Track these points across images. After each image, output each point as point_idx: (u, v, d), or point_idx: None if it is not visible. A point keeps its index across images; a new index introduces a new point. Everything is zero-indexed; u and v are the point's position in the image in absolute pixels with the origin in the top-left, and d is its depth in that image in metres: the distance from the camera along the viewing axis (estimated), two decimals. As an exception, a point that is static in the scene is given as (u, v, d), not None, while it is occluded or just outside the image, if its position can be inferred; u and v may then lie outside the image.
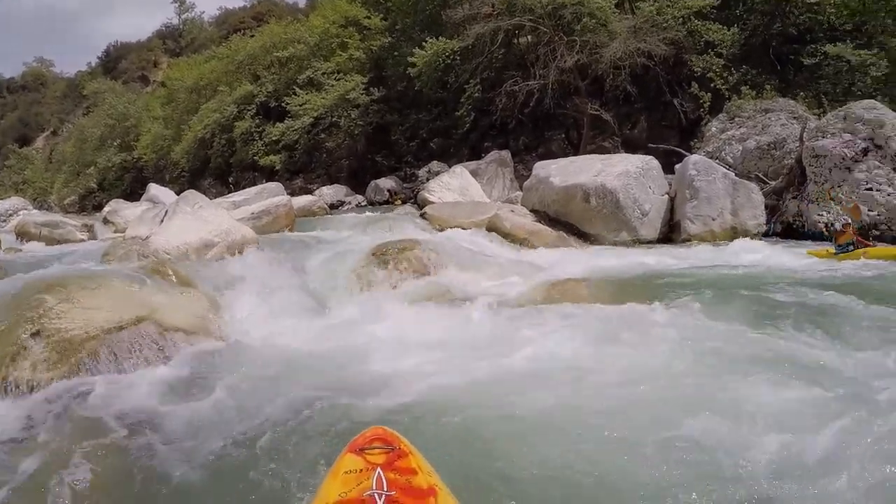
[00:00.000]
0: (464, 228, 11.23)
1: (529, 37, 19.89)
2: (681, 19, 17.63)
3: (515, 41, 20.78)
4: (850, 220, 9.35)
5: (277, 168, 27.12)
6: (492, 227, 10.86)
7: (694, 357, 4.18)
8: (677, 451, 2.91)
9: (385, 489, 1.90)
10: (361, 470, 2.03)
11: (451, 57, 19.64)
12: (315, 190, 23.47)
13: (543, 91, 17.93)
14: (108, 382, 4.14)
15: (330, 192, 22.73)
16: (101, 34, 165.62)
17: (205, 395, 3.92)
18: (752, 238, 10.75)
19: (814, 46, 16.79)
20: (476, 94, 19.40)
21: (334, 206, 21.18)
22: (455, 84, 20.04)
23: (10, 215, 22.01)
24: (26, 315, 4.41)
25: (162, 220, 9.92)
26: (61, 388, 4.03)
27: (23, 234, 15.28)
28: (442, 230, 11.45)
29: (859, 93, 15.22)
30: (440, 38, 19.82)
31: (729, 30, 17.70)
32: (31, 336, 4.24)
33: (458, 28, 19.86)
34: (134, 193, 29.89)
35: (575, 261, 8.73)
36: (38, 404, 3.86)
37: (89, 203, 38.36)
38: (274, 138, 26.67)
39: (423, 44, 19.96)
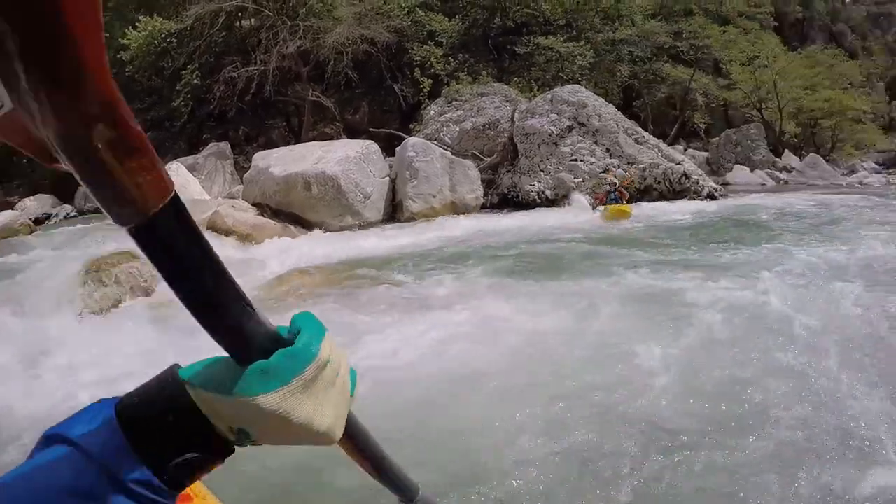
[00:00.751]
0: None
1: (252, 20, 18.93)
2: (406, 10, 18.15)
3: (237, 24, 19.64)
4: (617, 189, 11.03)
5: (-32, 178, 22.92)
6: (213, 226, 10.05)
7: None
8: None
9: None
10: None
11: (168, 40, 18.05)
12: (16, 203, 20.07)
13: (264, 77, 17.09)
14: None
15: (34, 205, 19.27)
16: None
17: None
18: (471, 210, 11.54)
19: (528, 38, 18.50)
20: (195, 81, 17.95)
21: (40, 221, 18.22)
22: (171, 70, 18.43)
23: None
24: None
25: None
26: None
27: None
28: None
29: (567, 79, 16.92)
30: (156, 17, 18.13)
31: (451, 21, 18.64)
32: None
33: (176, 8, 18.32)
34: None
35: (301, 251, 8.54)
36: None
37: None
38: None
39: (137, 23, 18.11)
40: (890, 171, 31.17)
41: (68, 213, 18.88)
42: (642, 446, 2.67)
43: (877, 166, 31.29)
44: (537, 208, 11.70)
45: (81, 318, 5.91)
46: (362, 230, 10.46)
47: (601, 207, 10.62)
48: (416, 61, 17.56)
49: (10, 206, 19.39)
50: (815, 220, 9.35)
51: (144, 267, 6.93)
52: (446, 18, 18.74)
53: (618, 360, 3.54)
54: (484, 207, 12.15)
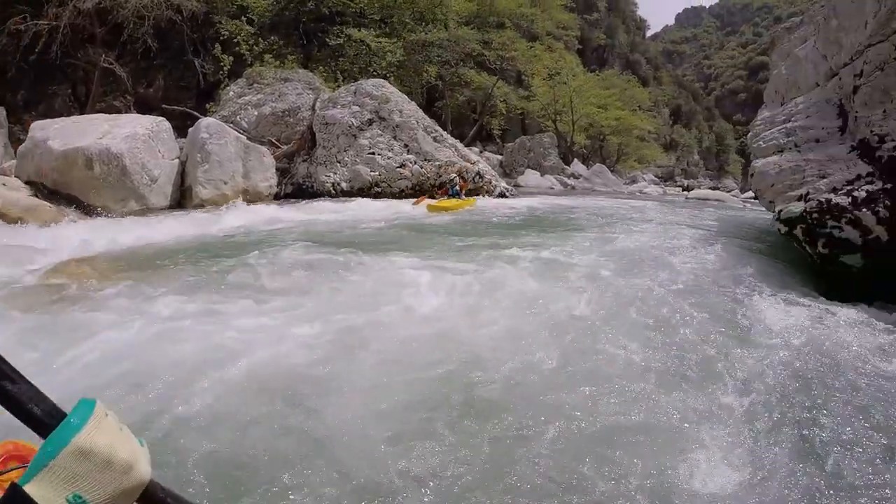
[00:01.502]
0: None
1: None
2: (218, -22, 17.31)
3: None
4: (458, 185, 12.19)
5: None
6: None
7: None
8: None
9: None
10: None
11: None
12: None
13: (53, 34, 15.41)
14: None
15: None
16: None
17: None
18: (263, 199, 11.35)
19: (341, 28, 18.51)
20: (-34, 30, 15.88)
21: None
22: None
23: None
24: None
25: None
26: None
27: None
28: None
29: (375, 73, 17.24)
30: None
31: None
32: None
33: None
34: None
35: (79, 238, 7.75)
36: None
37: None
38: None
39: None
40: (667, 183, 35.94)
41: None
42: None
43: (656, 179, 35.75)
44: (329, 199, 12.02)
45: None
46: (147, 216, 9.80)
47: (430, 201, 11.34)
48: (223, 36, 16.96)
49: None
50: (588, 219, 10.67)
51: None
52: (260, -4, 18.23)
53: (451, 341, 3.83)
54: (277, 197, 12.07)
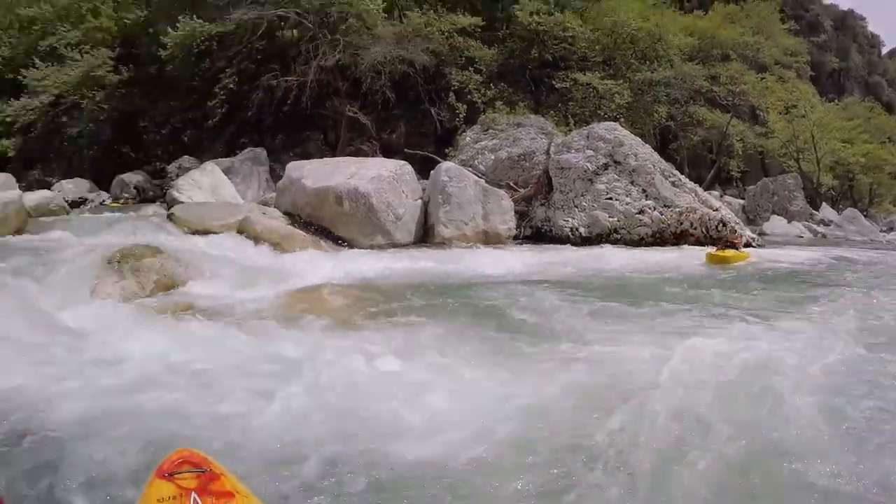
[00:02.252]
0: (213, 232, 10.31)
1: (295, 31, 19.13)
2: (446, 34, 18.19)
3: (279, 33, 19.89)
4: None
5: (11, 155, 23.16)
6: (243, 231, 10.10)
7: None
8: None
9: None
10: (174, 497, 1.92)
11: (208, 42, 18.24)
12: (54, 184, 20.38)
13: (302, 89, 17.28)
14: None
15: (71, 188, 19.69)
16: None
17: None
18: (503, 241, 11.46)
19: (566, 73, 18.49)
20: (231, 86, 18.12)
21: (76, 204, 18.41)
22: (211, 72, 18.61)
23: None
24: None
25: None
26: None
27: None
28: (191, 233, 10.44)
29: (605, 116, 16.86)
30: (198, 18, 18.31)
31: (490, 49, 18.73)
32: None
33: (220, 11, 18.49)
34: None
35: (325, 266, 8.42)
36: None
37: None
38: (7, 117, 22.72)
39: (178, 23, 18.34)
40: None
41: (104, 200, 19.20)
42: None
43: (918, 224, 29.96)
44: (568, 245, 11.70)
45: (96, 305, 5.92)
46: (391, 250, 10.30)
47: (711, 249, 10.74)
48: (454, 86, 17.66)
49: (49, 186, 19.68)
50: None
51: (168, 262, 7.01)
52: (485, 46, 18.81)
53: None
54: (515, 239, 12.05)
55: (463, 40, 18.53)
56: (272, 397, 3.63)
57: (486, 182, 12.41)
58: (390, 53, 17.13)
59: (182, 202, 13.23)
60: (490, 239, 11.36)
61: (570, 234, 12.13)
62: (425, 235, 11.41)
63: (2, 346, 4.50)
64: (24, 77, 22.21)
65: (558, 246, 11.40)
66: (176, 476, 2.01)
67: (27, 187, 18.57)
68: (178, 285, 6.80)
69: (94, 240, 9.69)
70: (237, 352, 4.50)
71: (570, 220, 12.34)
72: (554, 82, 18.40)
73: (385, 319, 5.40)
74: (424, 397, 3.58)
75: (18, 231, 11.00)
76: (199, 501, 1.89)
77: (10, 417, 3.41)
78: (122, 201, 18.47)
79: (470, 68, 18.28)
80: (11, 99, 22.47)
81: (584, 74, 18.06)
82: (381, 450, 2.99)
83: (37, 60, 22.49)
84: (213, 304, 6.16)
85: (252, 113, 18.30)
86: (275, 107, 17.83)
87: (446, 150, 16.30)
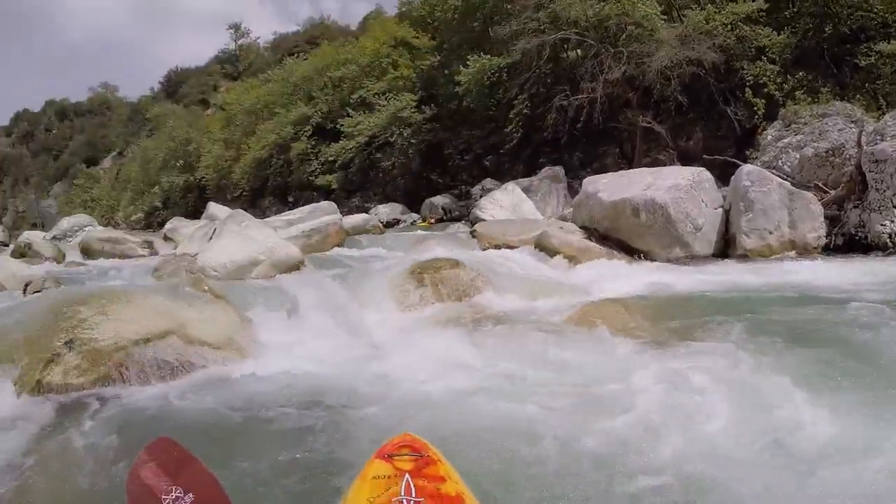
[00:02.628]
0: (512, 246, 11.16)
1: (579, 50, 19.83)
2: (729, 25, 17.40)
3: (563, 55, 20.79)
4: None
5: (334, 188, 27.92)
6: (540, 245, 10.70)
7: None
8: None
9: (413, 496, 1.91)
10: (390, 476, 2.03)
11: (498, 73, 19.82)
12: (371, 209, 23.98)
13: (593, 105, 17.82)
14: (132, 392, 4.35)
15: (385, 211, 23.28)
16: (163, 61, 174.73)
17: (225, 408, 4.01)
18: (811, 252, 10.37)
19: (867, 46, 16.24)
20: (525, 111, 19.51)
21: (390, 225, 21.67)
22: (504, 101, 20.17)
23: (76, 231, 23.51)
24: (62, 324, 4.68)
25: (210, 238, 10.43)
26: (89, 395, 4.28)
27: (86, 250, 16.24)
28: (491, 248, 11.50)
29: (921, 92, 14.74)
30: (486, 55, 20.02)
31: (779, 34, 17.35)
32: (64, 344, 4.52)
33: (505, 45, 20.01)
34: (197, 211, 30.87)
35: (621, 279, 8.29)
36: (65, 408, 4.13)
37: (154, 220, 40.37)
38: (329, 158, 27.54)
39: (468, 62, 20.22)
40: None
41: (414, 221, 22.15)
42: None
43: None
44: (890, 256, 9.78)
45: (395, 310, 6.82)
46: (690, 263, 9.99)
47: None
48: (748, 81, 16.75)
49: (366, 210, 23.29)
50: None
51: (463, 274, 7.52)
52: (774, 32, 17.50)
53: None
54: (826, 249, 10.78)
55: (749, 29, 17.50)
56: (557, 403, 3.70)
57: (792, 184, 11.50)
58: (676, 56, 16.87)
59: (484, 220, 14.62)
60: (797, 249, 10.44)
61: (888, 241, 10.48)
62: (726, 246, 10.90)
63: (318, 338, 5.62)
64: (341, 125, 26.68)
65: (880, 255, 9.96)
66: (395, 458, 2.13)
67: (348, 212, 22.36)
68: (474, 295, 7.20)
69: (401, 254, 11.25)
70: (518, 359, 4.72)
71: (888, 223, 10.76)
72: (857, 60, 16.28)
73: (690, 337, 4.96)
74: (755, 424, 3.23)
75: (339, 245, 13.78)
76: (411, 482, 1.95)
77: (311, 394, 4.12)
78: (428, 221, 20.82)
79: (763, 58, 17.16)
80: (331, 143, 27.15)
81: (890, 43, 15.60)
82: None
83: (350, 110, 26.90)
84: (505, 314, 6.46)
85: (547, 133, 19.49)
86: (568, 125, 18.62)
87: (747, 152, 15.45)
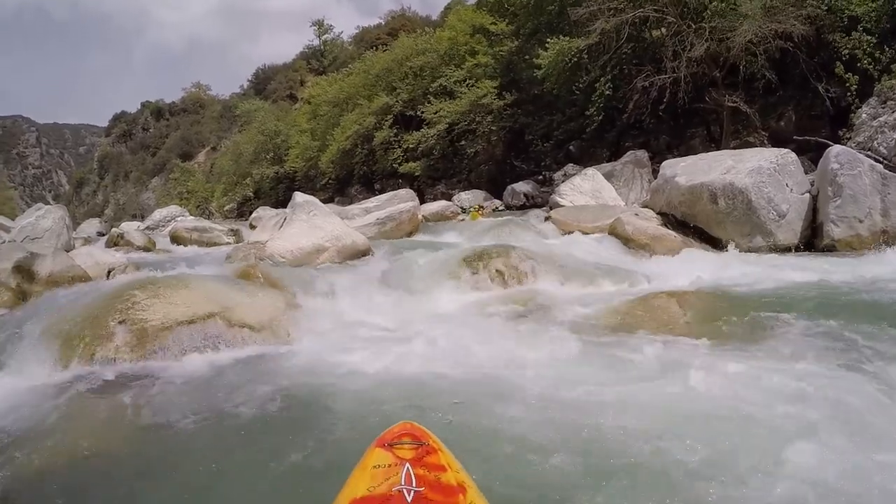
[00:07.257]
0: (586, 233, 11.09)
1: (663, 29, 19.12)
2: (818, -8, 16.02)
3: (645, 34, 20.16)
4: None
5: (418, 174, 28.47)
6: (613, 232, 10.53)
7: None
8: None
9: (413, 485, 1.88)
10: (390, 465, 2.01)
11: (578, 56, 19.44)
12: (454, 196, 24.24)
13: (677, 85, 17.08)
14: (173, 369, 4.78)
15: (468, 197, 23.45)
16: (251, 60, 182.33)
17: (255, 388, 4.24)
18: None
19: None
20: (607, 92, 19.03)
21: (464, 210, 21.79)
22: (586, 83, 19.76)
23: (168, 221, 25.36)
24: (118, 306, 5.29)
25: (281, 226, 10.95)
26: (136, 369, 4.79)
27: (176, 239, 17.58)
28: (565, 234, 11.57)
29: None
30: (565, 37, 19.67)
31: (874, 1, 15.72)
32: (118, 323, 5.14)
33: (583, 26, 19.58)
34: (287, 200, 31.79)
35: (691, 270, 7.71)
36: (113, 378, 4.66)
37: (246, 210, 42.32)
38: (412, 146, 28.04)
39: (546, 45, 19.94)
40: None
41: (497, 207, 22.29)
42: None
43: None
44: None
45: (448, 295, 7.01)
46: (771, 254, 9.39)
47: None
48: (844, 56, 15.40)
49: (449, 197, 23.63)
50: None
51: (518, 261, 7.56)
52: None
53: None
54: None
55: (841, -4, 16.04)
56: (580, 398, 3.71)
57: (886, 167, 10.55)
58: (760, 30, 15.84)
59: (563, 206, 14.51)
60: (890, 240, 9.30)
61: None
62: (813, 236, 10.12)
63: (359, 325, 5.91)
64: (423, 112, 27.03)
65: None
66: (395, 446, 2.12)
67: (433, 199, 22.71)
68: (528, 282, 7.26)
69: (470, 240, 11.30)
70: (549, 349, 4.75)
71: None
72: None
73: (751, 339, 4.65)
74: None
75: (413, 233, 14.18)
76: (411, 471, 1.92)
77: (330, 378, 4.33)
78: (481, 211, 20.92)
79: (859, 28, 15.65)
80: (413, 131, 27.57)
81: None
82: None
83: (431, 98, 27.16)
84: (552, 302, 6.37)
85: (630, 116, 18.88)
86: (651, 106, 17.95)
87: (841, 132, 14.41)
